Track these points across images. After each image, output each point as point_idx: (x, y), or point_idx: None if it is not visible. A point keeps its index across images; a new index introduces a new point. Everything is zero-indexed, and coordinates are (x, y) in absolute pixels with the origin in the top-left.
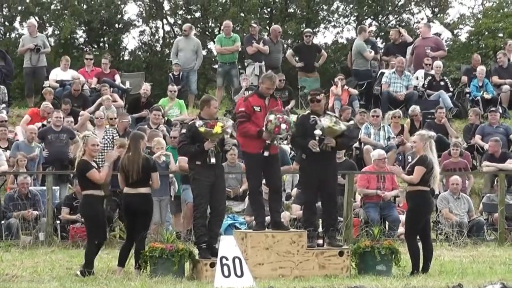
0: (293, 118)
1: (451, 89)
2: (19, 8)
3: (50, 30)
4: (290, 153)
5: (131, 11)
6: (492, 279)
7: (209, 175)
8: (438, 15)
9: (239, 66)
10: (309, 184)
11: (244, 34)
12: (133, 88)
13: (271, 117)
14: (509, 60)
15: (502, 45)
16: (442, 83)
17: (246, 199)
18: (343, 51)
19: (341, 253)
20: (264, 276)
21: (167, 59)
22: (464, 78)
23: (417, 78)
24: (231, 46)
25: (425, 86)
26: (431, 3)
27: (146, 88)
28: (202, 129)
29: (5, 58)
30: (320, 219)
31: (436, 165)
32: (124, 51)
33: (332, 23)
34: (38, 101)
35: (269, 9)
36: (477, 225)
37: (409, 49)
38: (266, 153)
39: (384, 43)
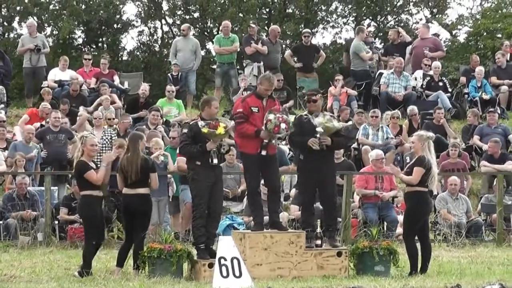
0: (292, 118)
1: (450, 90)
2: (18, 8)
3: (48, 30)
4: (289, 153)
5: (129, 11)
6: (490, 280)
7: (209, 175)
8: (437, 16)
9: (238, 67)
10: (307, 185)
11: (243, 34)
12: (132, 89)
13: (271, 116)
14: (507, 60)
15: (499, 46)
16: (440, 83)
17: (245, 199)
18: (341, 52)
19: (339, 254)
20: (262, 276)
21: (165, 59)
22: (463, 79)
23: (415, 79)
24: (230, 46)
25: (424, 86)
26: (430, 4)
27: (144, 88)
28: (205, 130)
29: (4, 58)
30: (319, 220)
31: (434, 166)
32: (122, 51)
33: (331, 24)
34: (37, 101)
35: (267, 10)
36: (476, 226)
37: (409, 48)
38: (263, 152)
39: (382, 44)
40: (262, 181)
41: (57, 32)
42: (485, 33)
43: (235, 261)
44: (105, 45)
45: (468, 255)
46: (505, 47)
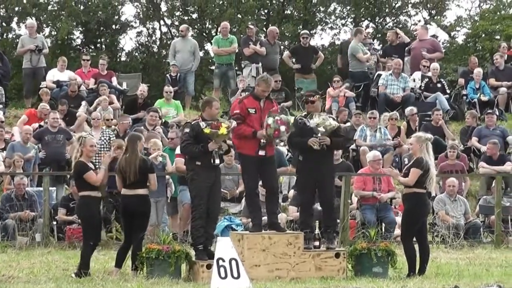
0: (291, 118)
1: (448, 91)
2: (16, 8)
3: (47, 31)
4: (287, 154)
5: (128, 12)
6: (488, 282)
7: (208, 176)
8: (435, 17)
9: (236, 68)
10: (306, 186)
11: (241, 35)
12: (130, 89)
13: (269, 121)
14: (505, 62)
15: (497, 48)
16: (439, 85)
17: (243, 200)
18: (336, 54)
19: (337, 255)
20: (260, 277)
21: (164, 60)
22: (461, 80)
23: (414, 80)
24: (228, 47)
25: (422, 88)
26: (428, 5)
27: (143, 89)
28: (207, 130)
29: (2, 59)
30: (317, 221)
31: (433, 167)
32: (121, 52)
33: (329, 25)
34: (35, 101)
35: (266, 11)
36: (474, 227)
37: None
38: (261, 152)
39: (381, 45)
40: (260, 182)
41: (55, 33)
42: (483, 35)
43: (233, 262)
44: (103, 46)
45: (466, 256)
46: (502, 48)
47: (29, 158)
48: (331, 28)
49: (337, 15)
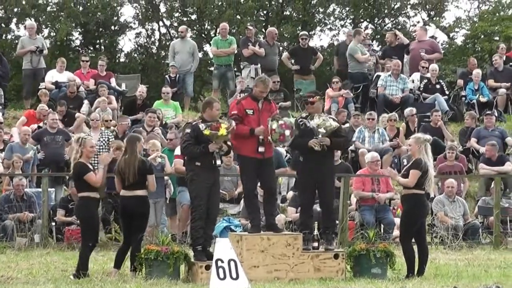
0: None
1: (447, 92)
2: (15, 9)
3: (46, 32)
4: (286, 155)
5: (127, 13)
6: (487, 283)
7: (208, 177)
8: (434, 19)
9: (235, 69)
10: (307, 186)
11: (240, 36)
12: (129, 90)
13: (274, 125)
14: (504, 63)
15: (496, 49)
16: (438, 86)
17: (242, 201)
18: (332, 56)
19: (336, 256)
20: (259, 278)
21: (163, 61)
22: (460, 82)
23: (413, 81)
24: (227, 48)
25: (421, 89)
26: (427, 7)
27: (142, 90)
28: (207, 132)
29: (1, 60)
30: (316, 222)
31: (431, 168)
32: (120, 53)
33: (328, 26)
34: (34, 102)
35: (265, 12)
36: (473, 229)
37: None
38: (261, 149)
39: (380, 46)
40: (259, 184)
41: (54, 34)
42: (482, 36)
43: (232, 263)
44: (102, 47)
45: (465, 257)
46: (501, 50)
47: (28, 159)
48: (330, 29)
49: (336, 16)
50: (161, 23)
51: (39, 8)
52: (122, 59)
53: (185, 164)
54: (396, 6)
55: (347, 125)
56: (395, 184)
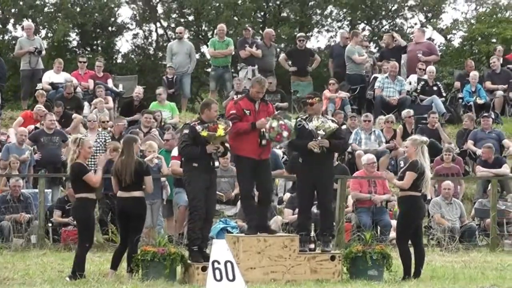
0: (292, 123)
1: (444, 94)
2: (13, 10)
3: (43, 32)
4: (283, 157)
5: (124, 14)
6: (483, 285)
7: (205, 178)
8: (432, 20)
9: (232, 70)
10: (305, 188)
11: (238, 38)
12: (126, 92)
13: (274, 123)
14: (501, 65)
15: (493, 51)
16: (435, 88)
17: (239, 203)
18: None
19: (332, 258)
20: (256, 280)
21: (160, 62)
22: (457, 84)
23: (410, 83)
24: (225, 49)
25: (418, 91)
26: (425, 8)
27: (138, 91)
28: (204, 133)
29: None
30: (312, 224)
31: (428, 170)
32: (117, 54)
33: (326, 28)
34: (31, 103)
35: (262, 13)
36: (469, 231)
37: (404, 57)
38: (264, 142)
39: (377, 48)
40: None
41: (51, 35)
42: (479, 38)
43: (228, 265)
44: (99, 48)
45: (461, 259)
46: (498, 51)
47: (25, 159)
48: (328, 30)
49: (333, 17)
50: (158, 24)
51: (36, 8)
52: (119, 60)
53: (182, 166)
54: (393, 8)
55: (343, 126)
56: (392, 186)
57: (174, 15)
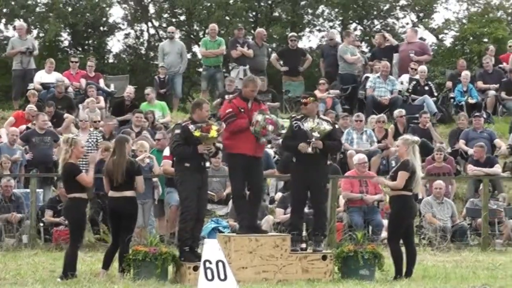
0: (284, 122)
1: (436, 94)
2: (4, 10)
3: (35, 32)
4: (274, 157)
5: (116, 14)
6: (475, 284)
7: (197, 178)
8: (423, 20)
9: (224, 70)
10: (298, 188)
11: (229, 37)
12: (118, 91)
13: (259, 117)
14: (493, 65)
15: (485, 50)
16: (426, 88)
17: (230, 202)
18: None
19: (324, 257)
20: (247, 279)
21: (151, 62)
22: (449, 83)
23: (401, 83)
24: (216, 49)
25: (410, 90)
26: (416, 8)
27: (130, 91)
28: (197, 133)
29: None
30: (304, 223)
31: (419, 170)
32: (108, 54)
33: (317, 27)
34: (23, 103)
35: (254, 13)
36: (461, 230)
37: (396, 56)
38: (263, 139)
39: (369, 48)
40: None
41: (43, 35)
42: (471, 38)
43: (220, 264)
44: (91, 48)
45: (453, 259)
46: (490, 51)
47: (16, 159)
48: (319, 30)
49: (325, 17)
50: (150, 24)
51: (28, 8)
52: (111, 60)
53: (173, 165)
54: (385, 8)
55: (336, 126)
56: (384, 185)
57: (165, 15)
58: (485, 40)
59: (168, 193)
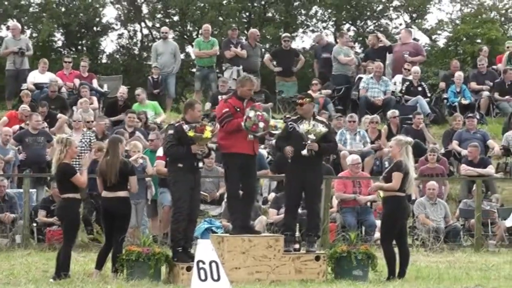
0: (277, 123)
1: (429, 95)
2: None
3: (28, 32)
4: (267, 157)
5: (109, 14)
6: (468, 285)
7: (190, 179)
8: (416, 21)
9: (217, 70)
10: (293, 189)
11: (223, 38)
12: (111, 92)
13: (251, 113)
14: (487, 66)
15: (478, 51)
16: (419, 88)
17: (223, 203)
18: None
19: (317, 258)
20: (240, 280)
21: (145, 62)
22: (442, 84)
23: (395, 84)
24: (210, 50)
25: (403, 91)
26: (410, 9)
27: (123, 91)
28: (191, 134)
29: None
30: (297, 224)
31: (412, 171)
32: (102, 54)
33: (311, 28)
34: (16, 103)
35: (247, 13)
36: (454, 231)
37: (389, 56)
38: (250, 136)
39: (362, 48)
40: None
41: (36, 35)
42: (464, 38)
43: (213, 265)
44: (84, 48)
45: (446, 260)
46: (484, 52)
47: (9, 159)
48: (313, 31)
49: (318, 18)
50: (143, 25)
51: (21, 8)
52: (104, 60)
53: (167, 166)
54: (378, 9)
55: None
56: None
57: (159, 15)
58: (479, 41)
59: (161, 193)
